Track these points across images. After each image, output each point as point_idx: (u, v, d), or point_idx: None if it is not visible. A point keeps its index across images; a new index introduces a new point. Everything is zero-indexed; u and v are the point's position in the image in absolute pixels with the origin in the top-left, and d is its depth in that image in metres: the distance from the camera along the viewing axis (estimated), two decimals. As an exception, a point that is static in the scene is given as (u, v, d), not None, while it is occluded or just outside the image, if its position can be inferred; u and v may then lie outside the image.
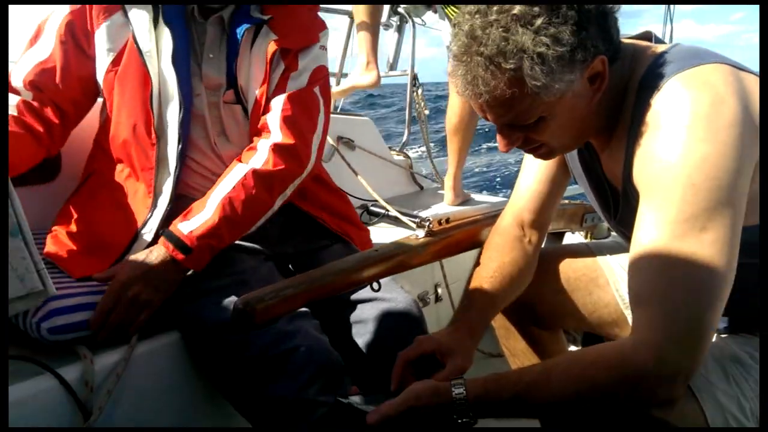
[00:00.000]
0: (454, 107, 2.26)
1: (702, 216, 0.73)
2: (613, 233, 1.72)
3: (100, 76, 1.21)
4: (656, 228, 0.75)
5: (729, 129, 0.73)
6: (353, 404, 0.93)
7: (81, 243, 1.19)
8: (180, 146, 1.18)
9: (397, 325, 1.19)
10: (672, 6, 2.64)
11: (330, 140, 2.15)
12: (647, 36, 0.92)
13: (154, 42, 1.18)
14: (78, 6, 1.19)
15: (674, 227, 0.74)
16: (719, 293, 0.73)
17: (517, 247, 1.12)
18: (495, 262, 1.10)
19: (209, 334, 1.07)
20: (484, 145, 9.87)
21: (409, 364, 0.98)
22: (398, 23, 2.90)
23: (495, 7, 0.75)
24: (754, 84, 0.79)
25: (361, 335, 1.19)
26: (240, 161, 1.21)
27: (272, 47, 1.23)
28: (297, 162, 1.23)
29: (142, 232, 1.18)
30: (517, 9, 0.73)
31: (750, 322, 0.92)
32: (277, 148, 1.20)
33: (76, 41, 1.19)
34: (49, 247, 1.19)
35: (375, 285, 1.07)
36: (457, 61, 0.79)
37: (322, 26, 1.35)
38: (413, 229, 1.87)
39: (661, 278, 0.74)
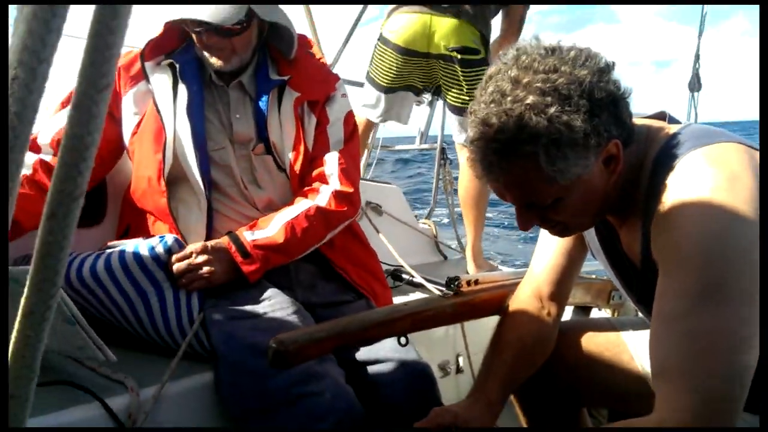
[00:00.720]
0: (464, 181, 2.31)
1: (719, 290, 0.74)
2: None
3: (127, 138, 1.35)
4: (676, 300, 0.76)
5: (746, 204, 0.75)
6: None
7: None
8: (207, 193, 1.29)
9: (412, 391, 1.20)
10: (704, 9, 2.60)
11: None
12: (662, 115, 0.96)
13: (172, 100, 1.32)
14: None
15: (694, 299, 0.75)
16: (744, 367, 0.72)
17: (536, 319, 1.12)
18: (514, 333, 1.10)
19: (241, 353, 1.10)
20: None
21: None
22: (430, 99, 3.03)
23: (509, 97, 0.78)
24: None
25: (375, 396, 1.20)
26: (305, 197, 1.35)
27: (298, 103, 1.39)
28: (353, 206, 1.41)
29: None
30: (530, 99, 0.77)
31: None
32: (338, 194, 1.37)
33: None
34: None
35: (402, 339, 1.09)
36: (474, 147, 0.83)
37: (336, 77, 1.52)
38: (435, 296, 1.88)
39: (684, 353, 0.74)
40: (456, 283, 1.14)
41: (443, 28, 2.16)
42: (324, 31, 2.58)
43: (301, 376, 1.06)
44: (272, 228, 1.28)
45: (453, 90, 2.26)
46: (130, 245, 1.21)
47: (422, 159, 12.40)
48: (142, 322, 1.21)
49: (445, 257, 2.68)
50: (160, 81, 1.34)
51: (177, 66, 1.34)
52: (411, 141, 3.08)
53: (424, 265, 2.51)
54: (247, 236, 1.25)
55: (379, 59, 2.34)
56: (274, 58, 1.44)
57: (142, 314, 1.20)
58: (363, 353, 1.25)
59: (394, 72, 2.31)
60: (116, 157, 1.41)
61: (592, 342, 1.18)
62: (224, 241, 1.25)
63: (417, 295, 2.00)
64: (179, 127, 1.30)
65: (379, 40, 2.35)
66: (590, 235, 1.07)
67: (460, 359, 1.94)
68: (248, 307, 1.19)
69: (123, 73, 1.35)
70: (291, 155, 1.37)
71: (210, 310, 1.19)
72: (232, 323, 1.16)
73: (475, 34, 2.19)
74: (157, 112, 1.31)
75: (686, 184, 0.79)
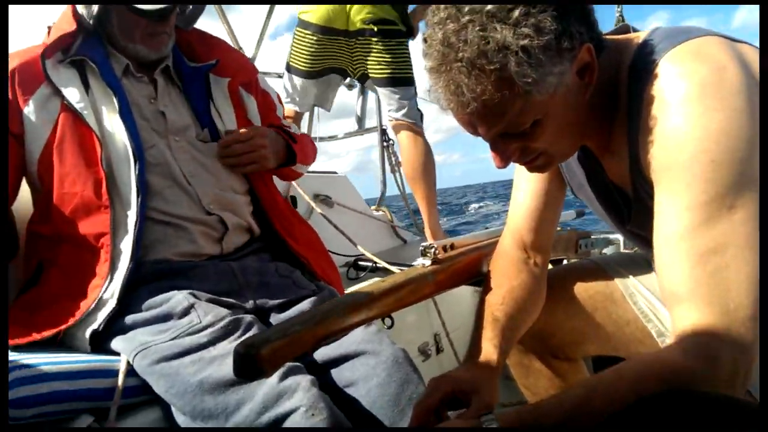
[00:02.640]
0: (407, 156, 2.26)
1: (728, 193, 0.66)
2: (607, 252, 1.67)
3: (35, 155, 1.14)
4: (680, 215, 0.69)
5: (738, 95, 0.68)
6: None
7: (36, 325, 1.07)
8: (140, 199, 1.13)
9: (390, 381, 1.07)
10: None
11: (307, 198, 2.09)
12: (624, 29, 0.89)
13: (89, 102, 1.16)
14: None
15: (700, 211, 0.67)
16: (756, 270, 0.66)
17: (524, 270, 1.04)
18: (503, 288, 1.01)
19: (191, 395, 0.94)
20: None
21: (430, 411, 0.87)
22: (359, 86, 2.93)
23: (466, 8, 0.70)
24: (750, 51, 0.75)
25: (354, 399, 1.07)
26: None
27: (234, 87, 1.36)
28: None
29: (104, 297, 1.08)
30: (490, 6, 0.68)
31: None
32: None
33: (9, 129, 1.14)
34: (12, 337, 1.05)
35: (387, 321, 0.96)
36: (436, 74, 0.73)
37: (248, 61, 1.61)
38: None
39: (698, 271, 0.67)
40: (433, 250, 1.03)
41: (360, 5, 2.17)
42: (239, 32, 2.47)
43: (268, 399, 0.92)
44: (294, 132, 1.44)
45: (377, 64, 2.22)
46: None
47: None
48: None
49: (405, 241, 2.60)
50: (67, 81, 1.16)
51: (93, 63, 1.18)
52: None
53: (384, 251, 2.42)
54: (288, 129, 1.41)
55: (298, 44, 2.32)
56: (177, 41, 1.36)
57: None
58: (329, 351, 1.11)
59: (315, 53, 2.29)
60: (18, 188, 1.20)
61: (583, 287, 1.11)
62: (273, 133, 1.34)
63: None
64: (111, 132, 1.15)
65: (297, 26, 2.34)
66: (571, 171, 1.00)
67: (439, 339, 1.85)
68: (186, 340, 1.01)
69: (17, 79, 1.14)
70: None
71: (138, 357, 1.01)
72: (170, 364, 0.99)
73: (393, 13, 2.20)
74: (77, 118, 1.13)
75: (671, 84, 0.72)
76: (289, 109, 2.41)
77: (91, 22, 1.21)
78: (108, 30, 1.23)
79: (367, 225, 2.44)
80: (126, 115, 1.17)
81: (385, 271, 1.88)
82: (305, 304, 1.21)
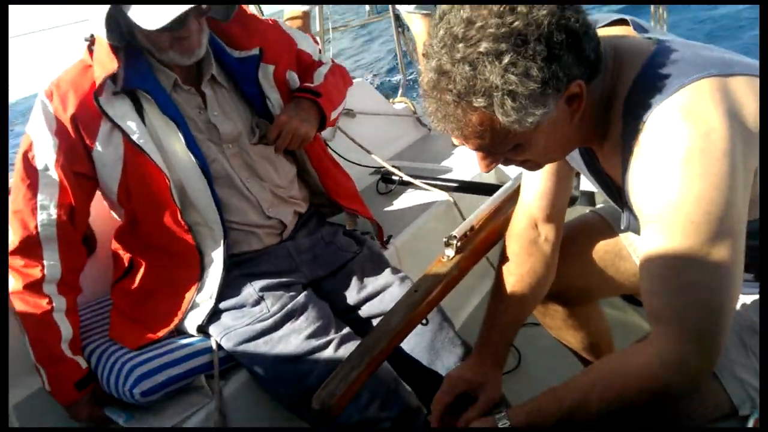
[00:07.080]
0: (421, 44, 2.19)
1: (705, 246, 0.75)
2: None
3: (113, 188, 1.22)
4: (665, 258, 0.78)
5: (722, 159, 0.72)
6: None
7: (138, 322, 1.29)
8: (220, 213, 1.25)
9: (425, 330, 1.26)
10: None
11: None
12: (624, 22, 0.88)
13: (148, 133, 1.18)
14: (60, 136, 1.16)
15: (680, 257, 0.76)
16: (728, 306, 0.77)
17: (534, 253, 1.12)
18: (514, 276, 1.11)
19: (269, 368, 1.19)
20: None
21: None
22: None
23: (461, 44, 0.72)
24: (743, 86, 0.76)
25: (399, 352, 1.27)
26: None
27: (280, 75, 1.37)
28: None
29: (198, 299, 1.27)
30: (483, 46, 0.71)
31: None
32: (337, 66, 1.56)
33: (75, 172, 1.19)
34: (112, 331, 1.30)
35: (424, 320, 1.10)
36: (429, 98, 0.78)
37: (281, 29, 1.47)
38: (429, 191, 1.88)
39: (676, 300, 0.78)
40: (455, 242, 1.11)
41: None
42: None
43: (330, 365, 1.11)
44: (317, 78, 1.43)
45: None
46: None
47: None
48: None
49: (430, 129, 2.62)
50: (124, 114, 1.17)
51: (146, 93, 1.18)
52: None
53: (412, 146, 2.48)
54: (309, 85, 1.40)
55: None
56: (212, 29, 1.29)
57: None
58: (371, 308, 1.34)
59: None
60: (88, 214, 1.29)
61: (593, 247, 1.20)
62: (295, 100, 1.37)
63: (412, 194, 2.01)
64: (177, 157, 1.20)
65: None
66: (573, 156, 1.03)
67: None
68: (258, 326, 1.23)
69: (80, 123, 1.16)
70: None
71: (224, 339, 1.24)
72: (248, 345, 1.21)
73: None
74: (141, 154, 1.17)
75: (661, 142, 0.76)
76: (295, 11, 2.32)
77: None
78: (142, 45, 1.19)
79: (392, 123, 2.46)
80: (188, 137, 1.20)
81: (412, 185, 1.97)
82: (351, 266, 1.39)
